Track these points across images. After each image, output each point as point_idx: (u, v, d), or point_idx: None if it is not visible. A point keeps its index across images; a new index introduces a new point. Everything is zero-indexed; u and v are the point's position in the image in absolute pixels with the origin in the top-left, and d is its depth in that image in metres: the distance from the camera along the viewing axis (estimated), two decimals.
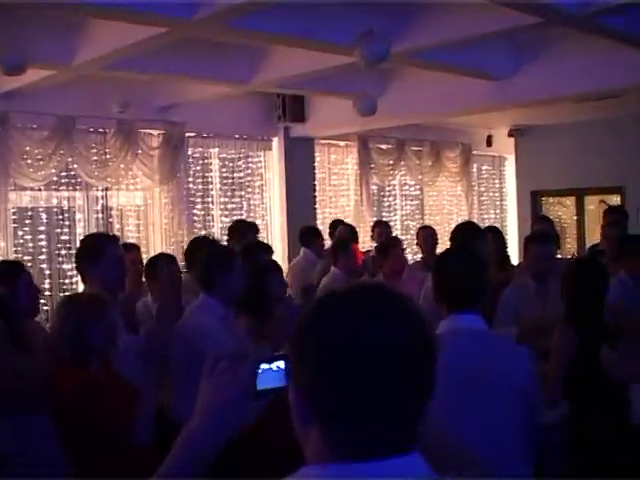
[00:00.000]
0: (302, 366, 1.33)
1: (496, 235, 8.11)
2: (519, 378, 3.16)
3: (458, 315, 3.22)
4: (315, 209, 11.58)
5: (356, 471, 1.25)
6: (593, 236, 13.46)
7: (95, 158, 9.25)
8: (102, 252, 4.45)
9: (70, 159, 9.02)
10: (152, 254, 9.71)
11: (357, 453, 1.26)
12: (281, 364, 1.63)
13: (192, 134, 10.22)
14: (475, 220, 13.96)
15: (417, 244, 8.95)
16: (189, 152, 10.27)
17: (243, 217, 10.84)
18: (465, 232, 6.08)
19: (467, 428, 2.98)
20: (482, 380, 3.06)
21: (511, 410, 3.11)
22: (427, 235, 8.56)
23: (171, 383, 4.62)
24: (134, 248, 6.96)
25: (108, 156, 9.33)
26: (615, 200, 13.73)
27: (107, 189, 9.55)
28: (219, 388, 1.66)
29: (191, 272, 5.92)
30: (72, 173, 9.20)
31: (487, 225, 10.08)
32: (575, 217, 14.22)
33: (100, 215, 9.51)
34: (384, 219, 12.19)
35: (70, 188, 9.31)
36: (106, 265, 4.40)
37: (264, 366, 1.64)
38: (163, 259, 5.62)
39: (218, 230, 10.59)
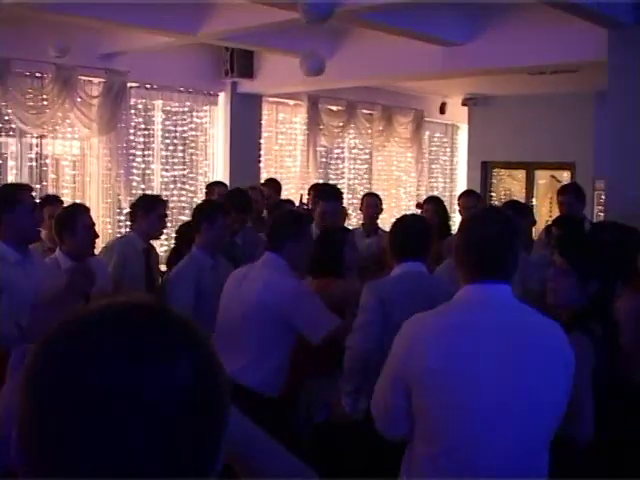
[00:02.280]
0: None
1: (436, 205, 7.99)
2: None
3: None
4: (260, 168, 11.35)
5: None
6: (541, 211, 13.45)
7: (31, 104, 8.87)
8: (15, 201, 4.32)
9: (4, 104, 8.65)
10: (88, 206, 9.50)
11: None
12: None
13: (135, 84, 9.91)
14: (424, 188, 13.90)
15: (360, 209, 8.76)
16: (131, 103, 9.95)
17: (185, 173, 10.60)
18: None
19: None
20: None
21: None
22: (371, 203, 8.37)
23: None
24: (57, 201, 6.65)
25: (45, 102, 8.96)
26: (565, 176, 13.71)
27: (42, 137, 9.21)
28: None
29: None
30: (5, 118, 8.83)
31: (430, 195, 9.97)
32: (524, 190, 14.13)
33: (34, 164, 9.18)
34: (331, 182, 12.01)
35: (3, 134, 8.96)
36: (19, 214, 4.30)
37: None
38: (79, 209, 5.31)
39: (157, 185, 10.32)
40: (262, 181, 9.78)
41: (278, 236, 4.50)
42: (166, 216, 6.30)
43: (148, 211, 5.92)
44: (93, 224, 5.20)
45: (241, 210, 6.56)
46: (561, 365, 2.79)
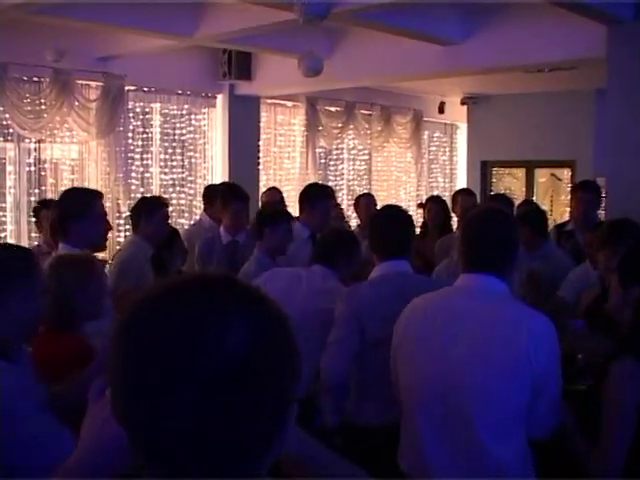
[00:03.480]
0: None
1: (439, 205, 8.00)
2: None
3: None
4: (259, 170, 11.32)
5: None
6: None
7: (29, 108, 8.83)
8: (84, 208, 4.32)
9: (1, 108, 8.62)
10: None
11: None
12: None
13: (132, 87, 9.87)
14: (424, 188, 13.87)
15: (355, 211, 8.72)
16: (129, 106, 9.91)
17: (184, 176, 10.57)
18: None
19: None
20: None
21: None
22: (368, 203, 8.35)
23: None
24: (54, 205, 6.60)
25: (42, 107, 8.93)
26: (566, 174, 13.69)
27: (40, 141, 9.17)
28: (102, 423, 1.44)
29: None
30: (4, 123, 8.80)
31: (432, 194, 9.96)
32: (524, 189, 14.10)
33: (32, 168, 9.15)
34: (330, 183, 12.00)
35: (1, 139, 8.94)
36: (89, 222, 4.29)
37: None
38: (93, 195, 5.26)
39: (157, 188, 10.29)
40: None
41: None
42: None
43: (151, 214, 5.67)
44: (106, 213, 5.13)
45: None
46: (519, 354, 2.85)
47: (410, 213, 4.39)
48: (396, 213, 4.18)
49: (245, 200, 6.50)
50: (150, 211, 5.67)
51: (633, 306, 3.01)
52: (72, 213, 4.23)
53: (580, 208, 6.65)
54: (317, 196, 6.18)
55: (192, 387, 1.03)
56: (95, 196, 4.48)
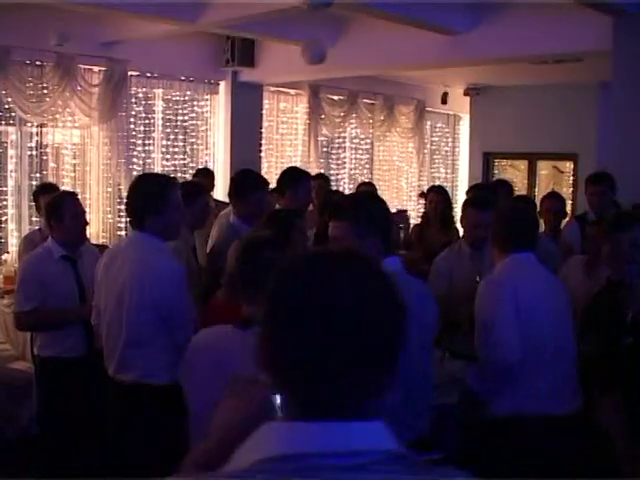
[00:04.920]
0: (273, 317, 1.38)
1: (440, 195, 7.96)
2: None
3: None
4: (260, 157, 11.30)
5: (312, 429, 1.29)
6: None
7: (31, 92, 8.79)
8: (160, 198, 4.14)
9: (4, 92, 8.57)
10: (88, 196, 9.46)
11: (311, 411, 1.30)
12: None
13: (135, 73, 9.83)
14: (425, 178, 13.85)
15: None
16: (132, 91, 9.88)
17: (185, 162, 10.55)
18: None
19: None
20: None
21: None
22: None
23: None
24: (53, 189, 6.58)
25: (45, 91, 8.89)
26: (568, 166, 13.66)
27: (42, 125, 9.14)
28: (235, 411, 1.67)
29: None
30: (6, 107, 8.76)
31: (433, 184, 9.93)
32: (526, 181, 14.07)
33: (34, 152, 9.12)
34: (331, 171, 12.02)
35: (3, 122, 8.89)
36: (165, 212, 4.13)
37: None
38: (66, 197, 5.24)
39: None
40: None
41: None
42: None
43: (191, 202, 5.26)
44: (82, 212, 5.12)
45: None
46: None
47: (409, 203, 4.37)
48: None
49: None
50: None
51: None
52: (148, 204, 4.10)
53: (593, 201, 6.64)
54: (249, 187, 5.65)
55: (315, 325, 1.30)
56: (171, 186, 4.30)
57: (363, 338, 1.31)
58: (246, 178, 5.77)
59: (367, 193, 4.80)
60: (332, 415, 1.29)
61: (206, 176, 8.43)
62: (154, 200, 4.05)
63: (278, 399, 1.55)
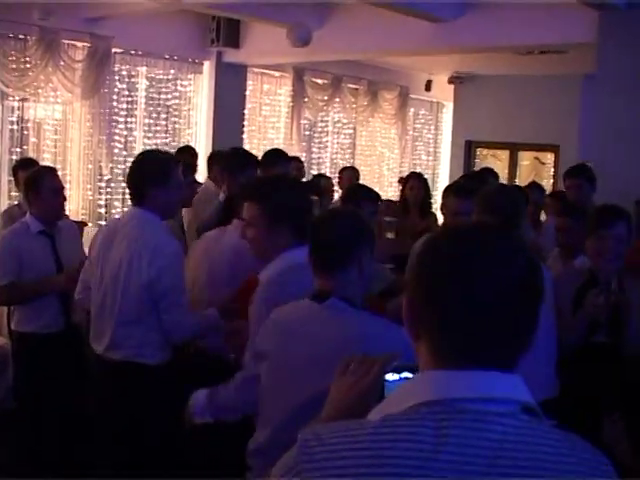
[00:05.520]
0: (418, 283, 1.50)
1: (420, 182, 7.98)
2: None
3: None
4: (243, 139, 11.25)
5: (459, 377, 1.42)
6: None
7: (13, 66, 8.71)
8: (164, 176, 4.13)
9: None
10: (68, 172, 9.41)
11: (458, 363, 1.42)
12: (408, 374, 1.65)
13: (119, 50, 9.76)
14: (407, 165, 13.86)
15: (339, 184, 8.72)
16: (115, 69, 9.80)
17: (167, 141, 10.50)
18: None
19: None
20: None
21: None
22: (350, 177, 8.35)
23: None
24: (32, 165, 6.50)
25: (27, 65, 8.80)
26: (549, 158, 13.71)
27: (24, 100, 9.07)
28: (350, 389, 1.74)
29: None
30: None
31: (413, 171, 9.94)
32: (506, 171, 14.09)
33: (15, 127, 9.04)
34: (314, 155, 12.01)
35: None
36: (167, 190, 4.11)
37: (390, 377, 1.67)
38: (44, 171, 5.23)
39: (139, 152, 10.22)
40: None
41: None
42: None
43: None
44: (61, 187, 5.12)
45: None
46: None
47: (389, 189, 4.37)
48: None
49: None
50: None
51: None
52: (151, 179, 4.07)
53: (569, 195, 6.52)
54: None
55: (488, 293, 1.42)
56: (174, 163, 4.31)
57: (526, 302, 1.46)
58: (238, 156, 5.81)
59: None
60: (488, 365, 1.42)
61: (192, 155, 8.40)
62: (158, 176, 4.03)
63: (387, 377, 1.67)
